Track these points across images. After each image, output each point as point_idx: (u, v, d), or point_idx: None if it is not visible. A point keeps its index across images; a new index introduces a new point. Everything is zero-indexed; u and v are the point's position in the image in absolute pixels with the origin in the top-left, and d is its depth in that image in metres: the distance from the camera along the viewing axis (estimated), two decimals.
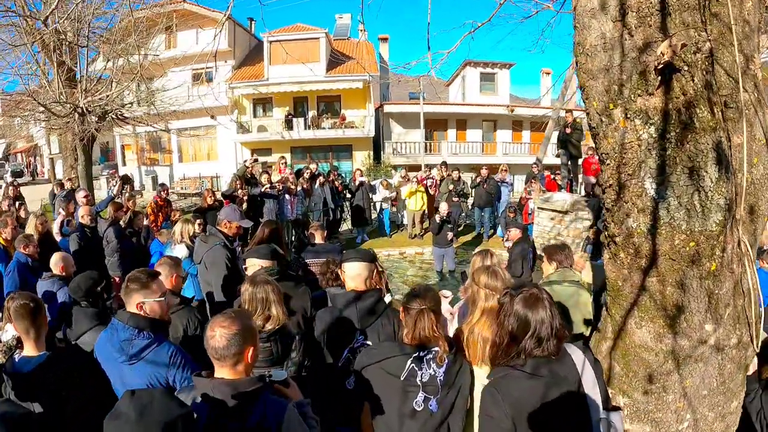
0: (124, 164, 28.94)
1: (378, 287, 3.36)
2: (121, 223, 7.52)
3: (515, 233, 7.88)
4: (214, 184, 25.66)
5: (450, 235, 10.93)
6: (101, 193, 22.50)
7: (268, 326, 2.93)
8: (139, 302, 2.82)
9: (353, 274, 3.20)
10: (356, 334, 3.02)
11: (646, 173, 2.19)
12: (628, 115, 2.22)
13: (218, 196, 10.43)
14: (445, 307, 3.71)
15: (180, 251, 6.10)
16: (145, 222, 8.04)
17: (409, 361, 2.45)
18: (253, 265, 3.88)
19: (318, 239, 5.81)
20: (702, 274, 2.17)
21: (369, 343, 2.97)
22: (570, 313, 3.74)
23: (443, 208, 10.91)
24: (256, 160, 12.72)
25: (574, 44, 2.49)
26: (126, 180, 12.97)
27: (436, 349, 2.47)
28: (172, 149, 28.30)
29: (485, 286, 2.75)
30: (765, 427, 2.63)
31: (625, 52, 2.20)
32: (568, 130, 12.48)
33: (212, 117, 23.17)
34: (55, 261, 5.09)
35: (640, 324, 2.33)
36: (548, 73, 32.41)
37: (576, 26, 2.42)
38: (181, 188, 25.24)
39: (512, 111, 21.95)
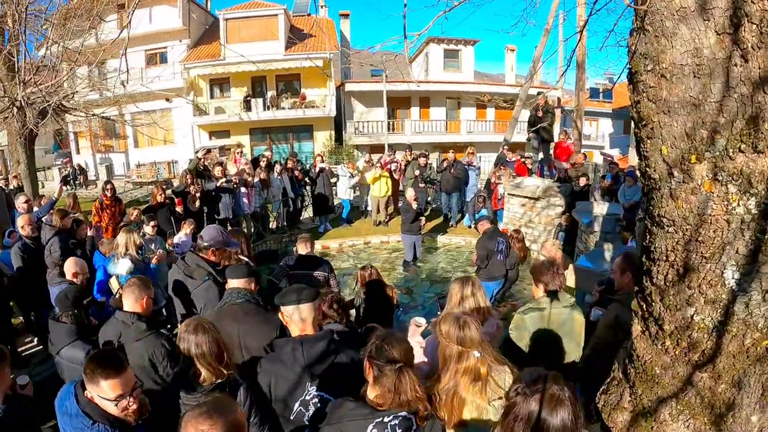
0: (78, 152, 27.57)
1: (330, 328, 3.06)
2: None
3: (483, 226, 7.70)
4: (171, 169, 24.81)
5: (423, 220, 10.91)
6: (54, 184, 21.56)
7: (205, 383, 2.60)
8: (89, 393, 2.34)
9: (304, 316, 2.79)
10: (307, 385, 2.68)
11: (729, 259, 1.68)
12: (719, 177, 1.64)
13: (169, 192, 9.83)
14: (416, 339, 3.39)
15: (123, 266, 5.54)
16: (89, 233, 7.27)
17: (370, 426, 2.14)
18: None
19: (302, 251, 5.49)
20: (765, 370, 1.77)
21: (323, 394, 2.67)
22: (563, 342, 3.47)
23: (410, 194, 10.66)
24: (208, 151, 12.16)
25: (632, 53, 1.82)
26: (78, 173, 12.15)
27: (403, 414, 2.15)
28: (127, 135, 27.15)
29: (458, 341, 2.43)
30: None
31: (732, 84, 1.54)
32: (540, 114, 12.23)
33: (167, 100, 22.23)
34: (68, 266, 5.01)
35: (677, 417, 1.95)
36: (513, 50, 32.09)
37: (646, 28, 1.73)
38: (138, 176, 24.30)
39: (489, 100, 21.71)
